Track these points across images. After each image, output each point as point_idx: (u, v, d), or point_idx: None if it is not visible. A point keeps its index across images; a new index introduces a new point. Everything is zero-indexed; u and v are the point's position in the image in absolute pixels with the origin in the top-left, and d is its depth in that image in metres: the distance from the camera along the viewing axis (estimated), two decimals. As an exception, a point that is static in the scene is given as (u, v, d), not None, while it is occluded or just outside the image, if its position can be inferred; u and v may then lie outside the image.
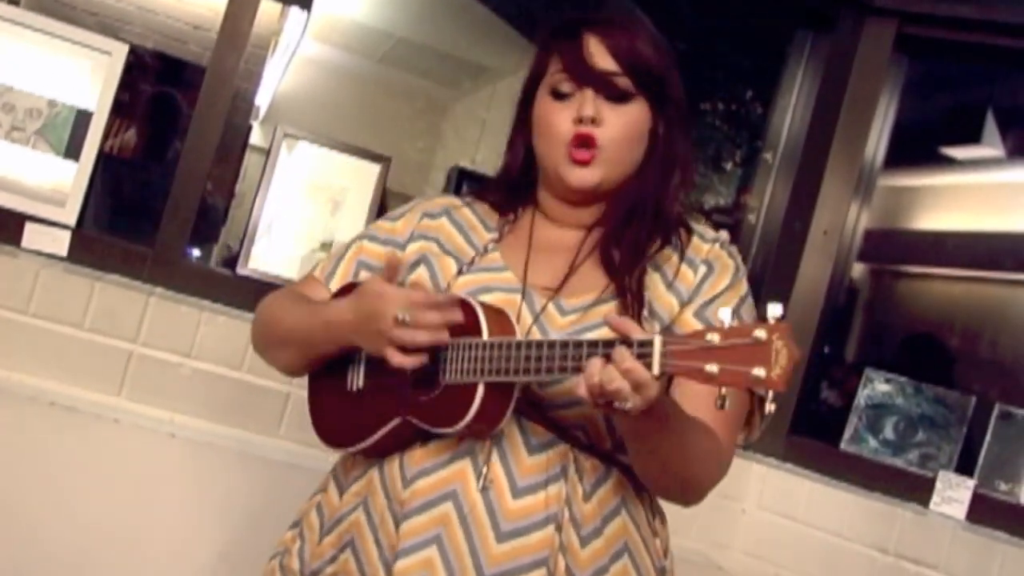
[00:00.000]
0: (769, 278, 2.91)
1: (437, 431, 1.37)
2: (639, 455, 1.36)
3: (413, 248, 1.57)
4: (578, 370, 1.21)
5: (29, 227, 2.38)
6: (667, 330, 1.42)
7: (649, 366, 1.14)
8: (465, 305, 1.36)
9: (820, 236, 2.85)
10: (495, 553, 1.35)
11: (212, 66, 2.51)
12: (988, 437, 2.68)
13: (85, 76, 2.45)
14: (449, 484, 1.38)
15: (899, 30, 2.86)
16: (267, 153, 2.59)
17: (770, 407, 1.44)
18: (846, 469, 2.75)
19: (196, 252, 3.02)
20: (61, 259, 2.39)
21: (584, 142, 1.45)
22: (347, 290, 1.52)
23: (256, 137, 4.01)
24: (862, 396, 2.83)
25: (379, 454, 1.47)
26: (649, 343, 1.14)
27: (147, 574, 2.27)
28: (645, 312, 1.42)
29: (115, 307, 2.37)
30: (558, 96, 1.48)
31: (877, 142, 2.99)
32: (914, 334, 3.53)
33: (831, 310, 2.93)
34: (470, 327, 1.34)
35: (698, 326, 1.42)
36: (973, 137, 3.50)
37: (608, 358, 1.17)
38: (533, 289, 1.46)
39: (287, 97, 5.07)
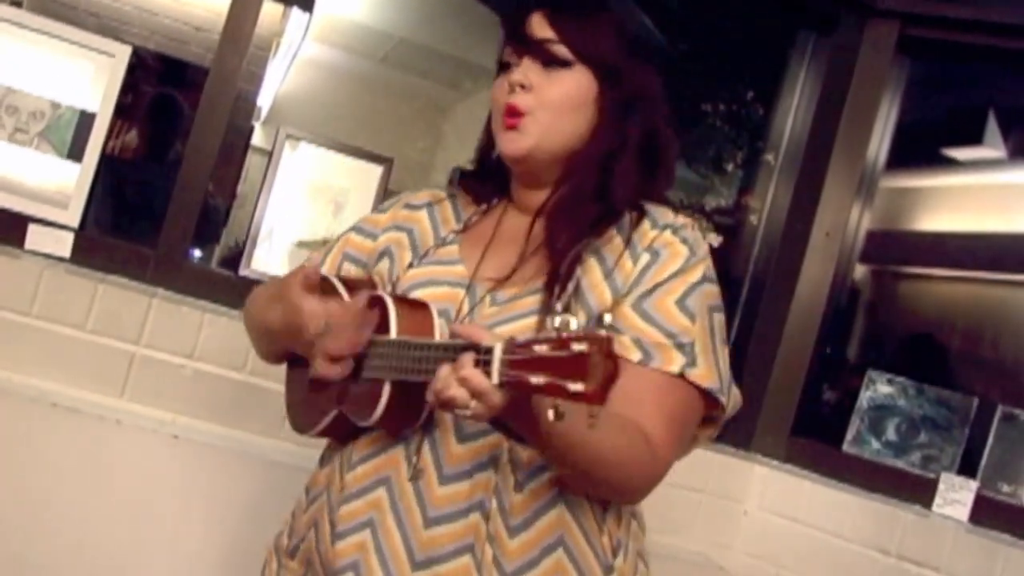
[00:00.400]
0: (771, 280, 2.91)
1: (359, 423, 1.39)
2: (544, 455, 1.32)
3: (383, 239, 1.58)
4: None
5: (32, 229, 2.38)
6: (599, 321, 1.31)
7: (489, 374, 1.10)
8: (381, 301, 1.37)
9: (822, 237, 2.85)
10: (424, 539, 1.35)
11: (214, 67, 2.51)
12: (991, 439, 2.68)
13: (88, 78, 2.45)
14: (383, 471, 1.40)
15: (901, 31, 2.86)
16: (269, 154, 2.59)
17: (734, 401, 1.44)
18: (848, 470, 2.75)
19: (197, 253, 3.02)
20: (64, 260, 2.39)
21: (511, 111, 1.44)
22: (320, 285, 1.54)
23: (258, 138, 4.01)
24: (864, 397, 2.83)
25: (339, 440, 1.50)
26: (490, 350, 1.10)
27: (146, 573, 2.27)
28: (568, 300, 1.37)
29: (118, 308, 2.38)
30: (501, 68, 1.49)
31: (879, 143, 2.99)
32: (915, 335, 3.53)
33: (833, 311, 2.93)
34: (385, 323, 1.35)
35: (636, 320, 1.37)
36: (975, 138, 3.51)
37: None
38: (479, 282, 1.45)
39: (289, 98, 5.07)
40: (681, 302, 1.38)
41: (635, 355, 1.36)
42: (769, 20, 3.27)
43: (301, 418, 1.56)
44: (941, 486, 2.65)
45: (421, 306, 1.38)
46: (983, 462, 2.68)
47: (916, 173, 3.73)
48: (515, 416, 1.18)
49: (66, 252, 2.39)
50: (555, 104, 1.43)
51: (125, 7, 3.76)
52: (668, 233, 1.42)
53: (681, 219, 1.45)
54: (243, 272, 2.55)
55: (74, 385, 2.33)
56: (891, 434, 2.79)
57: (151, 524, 2.27)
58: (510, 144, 1.45)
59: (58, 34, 2.44)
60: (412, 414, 1.36)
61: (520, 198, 1.54)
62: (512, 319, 1.38)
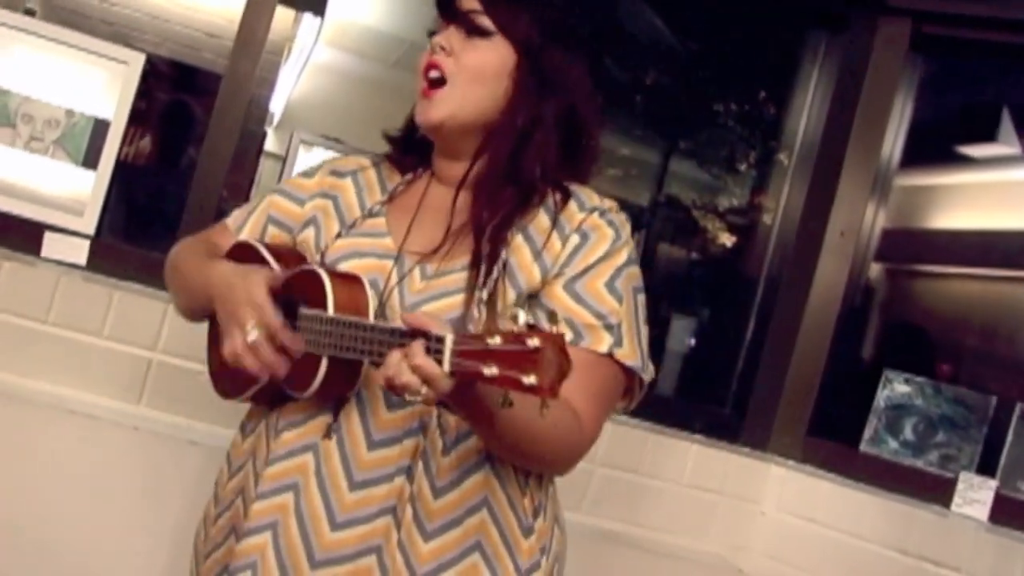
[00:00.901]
0: (786, 280, 2.91)
1: (293, 394, 1.40)
2: (479, 436, 1.38)
3: (311, 205, 1.58)
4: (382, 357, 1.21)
5: (48, 236, 2.39)
6: (530, 300, 1.42)
7: (440, 362, 1.13)
8: (315, 275, 1.37)
9: (837, 237, 2.84)
10: (347, 501, 1.38)
11: (228, 73, 2.52)
12: (1009, 437, 2.67)
13: (102, 86, 2.46)
14: (310, 436, 1.42)
15: (913, 29, 2.85)
16: (283, 159, 2.60)
17: (649, 377, 1.48)
18: (866, 471, 2.74)
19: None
20: (80, 268, 2.40)
21: (431, 66, 1.47)
22: (238, 250, 1.55)
23: (270, 143, 4.02)
24: (881, 397, 2.82)
25: (267, 405, 1.51)
26: (442, 340, 1.13)
27: (168, 581, 2.27)
28: (495, 276, 1.41)
29: (134, 315, 2.38)
30: (429, 36, 1.51)
31: (893, 141, 2.98)
32: (931, 332, 3.52)
33: (848, 311, 2.92)
34: (320, 298, 1.35)
35: (568, 301, 1.42)
36: (989, 135, 3.49)
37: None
38: (407, 254, 1.46)
39: (301, 103, 5.08)
40: (610, 284, 1.44)
41: (567, 334, 1.40)
42: (780, 19, 3.26)
43: (228, 385, 1.55)
44: (960, 485, 2.63)
45: (355, 280, 1.39)
46: (1002, 461, 2.66)
47: (930, 171, 3.71)
48: (460, 401, 1.24)
49: (82, 259, 2.40)
50: (472, 70, 1.47)
51: (137, 14, 3.77)
52: (596, 216, 1.47)
53: (607, 202, 1.50)
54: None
55: (91, 392, 2.34)
56: (908, 433, 2.78)
57: (169, 529, 2.27)
58: (425, 112, 1.48)
59: (72, 43, 2.45)
60: (346, 386, 1.39)
61: (440, 169, 1.55)
62: (441, 295, 1.41)
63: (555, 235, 1.46)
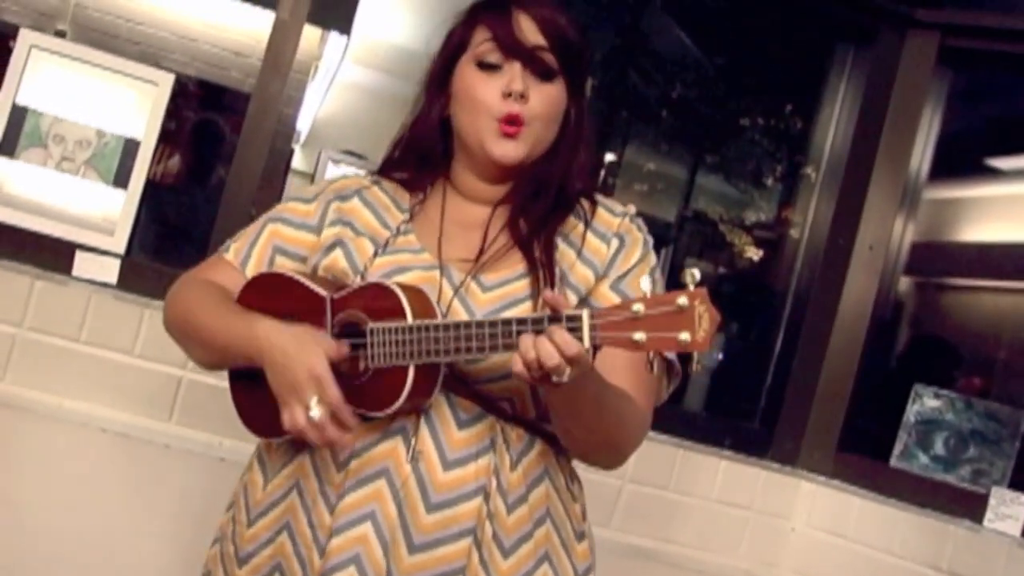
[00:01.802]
0: (815, 294, 2.90)
1: (371, 415, 1.39)
2: (566, 422, 1.39)
3: (330, 232, 1.55)
4: (508, 347, 1.23)
5: (79, 256, 2.41)
6: (583, 302, 1.46)
7: (580, 339, 1.17)
8: (385, 289, 1.37)
9: (866, 251, 2.83)
10: (425, 523, 1.38)
11: (256, 93, 2.54)
12: (1042, 452, 2.64)
13: (132, 106, 2.49)
14: (381, 462, 1.40)
15: (941, 42, 2.85)
16: (311, 177, 2.62)
17: (697, 367, 1.49)
18: (896, 486, 2.72)
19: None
20: (111, 287, 2.42)
21: (513, 120, 1.46)
22: (263, 282, 1.52)
23: (297, 161, 4.04)
24: (911, 412, 2.81)
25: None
26: (578, 318, 1.18)
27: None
28: (559, 284, 1.45)
29: (164, 334, 2.39)
30: (484, 67, 1.48)
31: (921, 154, 2.97)
32: (961, 347, 3.49)
33: (878, 325, 2.91)
34: (392, 310, 1.35)
35: (616, 299, 1.46)
36: (1018, 147, 3.47)
37: (539, 334, 1.20)
38: (450, 264, 1.47)
39: (327, 121, 5.11)
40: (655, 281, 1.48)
41: None
42: (807, 33, 3.26)
43: (268, 424, 1.47)
44: (992, 501, 2.61)
45: (419, 290, 1.39)
46: (1035, 476, 2.64)
47: (959, 184, 3.69)
48: (578, 383, 1.25)
49: (113, 278, 2.42)
50: (545, 115, 1.49)
51: (165, 35, 3.80)
52: (627, 221, 1.54)
53: (631, 208, 1.57)
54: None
55: (123, 410, 2.36)
56: (939, 448, 2.76)
57: (200, 546, 2.28)
58: (510, 152, 1.48)
59: (103, 63, 2.48)
60: (426, 395, 1.38)
61: (470, 187, 1.55)
62: (512, 304, 1.42)
63: (591, 236, 1.51)
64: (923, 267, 3.41)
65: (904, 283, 3.26)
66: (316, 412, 1.32)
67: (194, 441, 2.36)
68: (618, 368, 1.40)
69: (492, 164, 1.50)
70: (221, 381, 2.39)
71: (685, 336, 1.12)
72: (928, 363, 3.20)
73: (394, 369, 1.34)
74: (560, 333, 1.18)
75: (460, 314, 1.41)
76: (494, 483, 1.41)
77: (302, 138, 4.81)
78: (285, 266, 1.57)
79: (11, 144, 2.42)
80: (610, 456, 1.48)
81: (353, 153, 2.85)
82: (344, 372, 1.38)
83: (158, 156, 2.75)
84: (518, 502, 1.43)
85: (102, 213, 2.45)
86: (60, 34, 2.82)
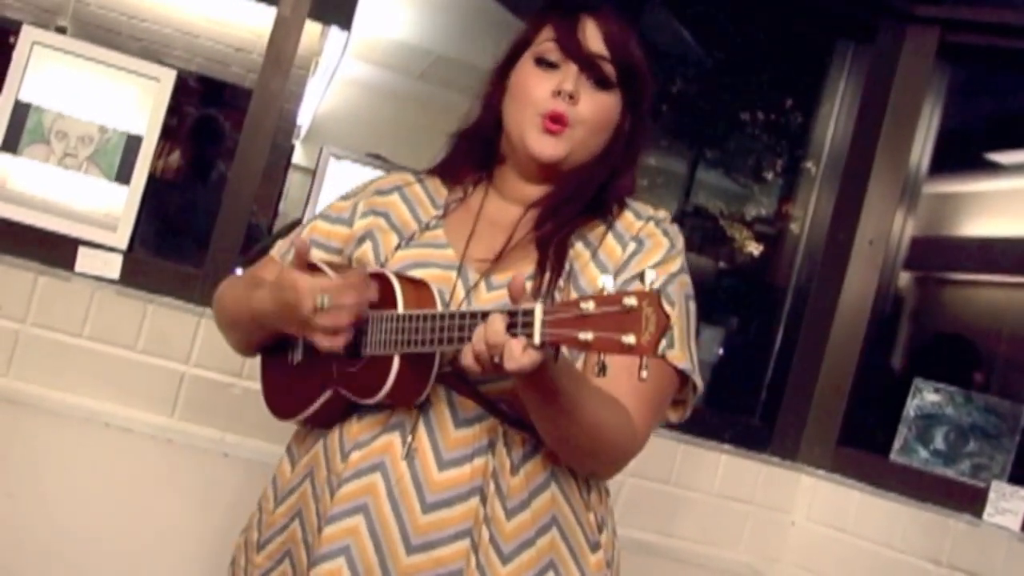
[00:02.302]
0: (814, 288, 2.90)
1: (361, 402, 1.40)
2: (537, 421, 1.36)
3: (362, 224, 1.58)
4: (469, 340, 1.22)
5: (82, 251, 2.42)
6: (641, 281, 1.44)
7: (530, 335, 1.14)
8: (383, 278, 1.38)
9: (866, 245, 2.84)
10: (420, 523, 1.38)
11: (258, 89, 2.54)
12: (1042, 446, 2.65)
13: (134, 102, 2.49)
14: (378, 455, 1.41)
15: (941, 38, 2.85)
16: (313, 173, 2.62)
17: (697, 383, 1.48)
18: (897, 480, 2.73)
19: (239, 271, 3.06)
20: (113, 282, 2.42)
21: (558, 118, 1.46)
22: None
23: (297, 156, 4.05)
24: (911, 406, 2.81)
25: (323, 425, 1.51)
26: (531, 312, 1.14)
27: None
28: (561, 284, 1.43)
29: (167, 329, 2.41)
30: (542, 64, 1.49)
31: (921, 149, 2.97)
32: (961, 341, 3.50)
33: (878, 319, 2.91)
34: (387, 300, 1.36)
35: None
36: (1018, 142, 3.48)
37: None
38: (469, 264, 1.47)
39: (328, 116, 5.12)
40: (663, 289, 1.43)
41: None
42: (807, 28, 3.26)
43: (285, 405, 1.56)
44: (992, 495, 2.62)
45: (422, 283, 1.40)
46: (1035, 470, 2.65)
47: (959, 178, 3.70)
48: (538, 381, 1.23)
49: (115, 274, 2.43)
50: (593, 122, 1.49)
51: (167, 30, 3.81)
52: (651, 224, 1.51)
53: (662, 212, 1.54)
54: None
55: (126, 405, 2.37)
56: (939, 443, 2.77)
57: (202, 541, 2.29)
58: (548, 148, 1.48)
59: (104, 60, 2.48)
60: (417, 387, 1.38)
61: (511, 188, 1.56)
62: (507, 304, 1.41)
63: (611, 239, 1.49)
64: (923, 262, 3.42)
65: (904, 278, 3.27)
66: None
67: (197, 436, 2.36)
68: (612, 374, 1.35)
69: (532, 161, 1.50)
70: (224, 376, 2.42)
71: (630, 339, 1.07)
72: (940, 360, 3.19)
73: (385, 358, 1.35)
74: (492, 325, 1.16)
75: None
76: (492, 486, 1.40)
77: (303, 133, 4.82)
78: (322, 258, 1.59)
79: (14, 140, 2.43)
80: (586, 462, 1.44)
81: (379, 156, 2.84)
82: (343, 359, 1.40)
83: (160, 152, 2.76)
84: (519, 507, 1.41)
85: (105, 209, 2.46)
86: (61, 30, 2.83)
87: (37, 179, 2.44)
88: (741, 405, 3.08)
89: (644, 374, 1.10)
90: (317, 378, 1.47)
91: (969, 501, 2.64)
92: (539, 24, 1.53)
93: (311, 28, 2.72)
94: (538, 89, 1.48)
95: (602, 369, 1.12)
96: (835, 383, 2.82)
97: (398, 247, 1.52)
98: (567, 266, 1.45)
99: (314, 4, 2.57)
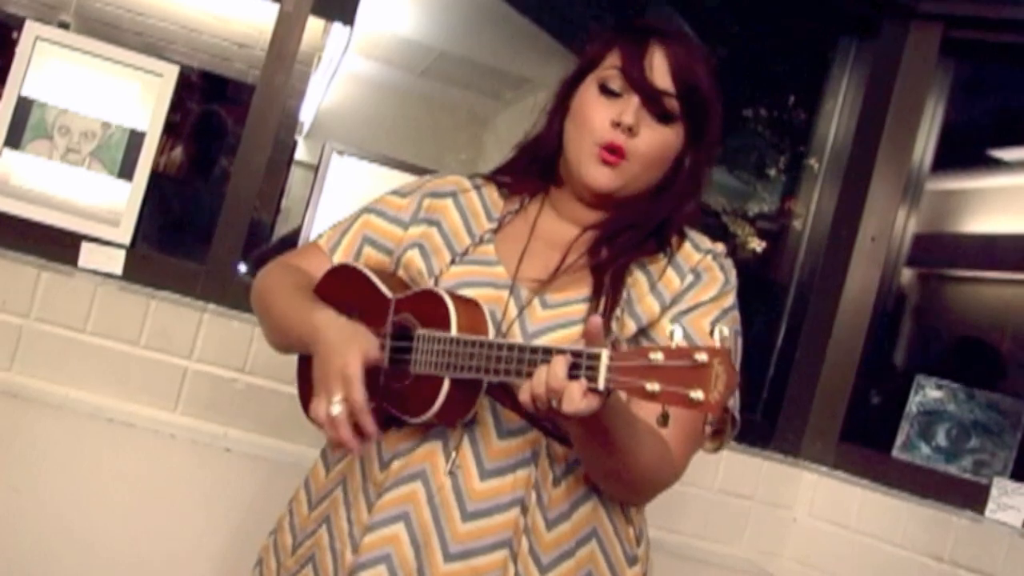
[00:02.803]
0: (817, 285, 2.90)
1: (406, 419, 1.40)
2: (582, 453, 1.37)
3: (415, 231, 1.57)
4: (530, 375, 1.21)
5: (85, 247, 2.42)
6: (643, 332, 1.44)
7: (594, 379, 1.13)
8: (439, 298, 1.37)
9: (868, 242, 2.84)
10: (460, 532, 1.38)
11: (261, 85, 2.55)
12: (1044, 443, 2.65)
13: (137, 97, 2.49)
14: (419, 464, 1.41)
15: (944, 34, 2.84)
16: (316, 169, 2.62)
17: (737, 419, 1.48)
18: (898, 476, 2.73)
19: (243, 268, 3.06)
20: (116, 278, 2.42)
21: (615, 150, 1.45)
22: (341, 274, 1.54)
23: (300, 152, 4.05)
24: (913, 403, 2.81)
25: (359, 433, 1.49)
26: (596, 357, 1.13)
27: (204, 587, 2.30)
28: (618, 312, 1.42)
29: (170, 324, 2.41)
30: (605, 91, 1.48)
31: (924, 146, 2.97)
32: (964, 338, 3.50)
33: (880, 316, 2.91)
34: (441, 320, 1.35)
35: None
36: (1022, 138, 3.47)
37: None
38: (521, 284, 1.46)
39: (330, 112, 5.12)
40: (715, 324, 1.42)
41: None
42: (810, 25, 3.26)
43: None
44: (994, 491, 2.62)
45: (475, 305, 1.39)
46: (1037, 467, 2.65)
47: (962, 175, 3.69)
48: (592, 422, 1.21)
49: (118, 269, 2.43)
50: (650, 156, 1.47)
51: (169, 26, 3.81)
52: (709, 258, 1.51)
53: (719, 246, 1.54)
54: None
55: (128, 400, 2.37)
56: (941, 439, 2.77)
57: (205, 536, 2.29)
58: (602, 179, 1.47)
59: (107, 55, 2.49)
60: (463, 411, 1.38)
61: (566, 207, 1.55)
62: (564, 324, 1.40)
63: (671, 271, 1.48)
64: (926, 258, 3.41)
65: (907, 275, 3.26)
66: (336, 408, 1.33)
67: (199, 431, 2.36)
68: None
69: (585, 188, 1.49)
70: (226, 372, 2.43)
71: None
72: (966, 362, 3.18)
73: (433, 378, 1.34)
74: (554, 370, 1.15)
75: (516, 333, 1.41)
76: (533, 497, 1.39)
77: (305, 129, 4.82)
78: (371, 256, 1.59)
79: (17, 136, 2.43)
80: (623, 492, 1.45)
81: (390, 156, 2.84)
82: (389, 373, 1.40)
83: (163, 148, 2.76)
84: (560, 519, 1.41)
85: (107, 204, 2.46)
86: (64, 26, 2.83)
87: (40, 175, 2.44)
88: (743, 401, 3.07)
89: (708, 430, 1.09)
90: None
91: (971, 498, 2.64)
92: (607, 47, 1.51)
93: (314, 24, 2.72)
94: (598, 117, 1.47)
95: (665, 420, 1.11)
96: (837, 379, 2.82)
97: (452, 261, 1.51)
98: (624, 294, 1.44)
99: (317, 0, 2.57)
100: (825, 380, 2.82)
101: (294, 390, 2.42)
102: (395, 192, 1.64)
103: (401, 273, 1.55)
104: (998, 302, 3.67)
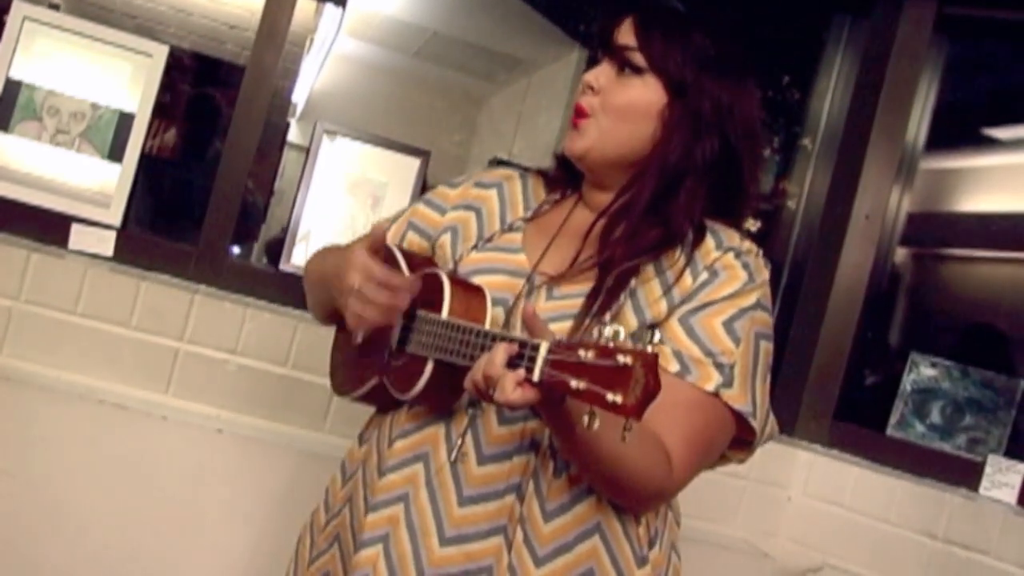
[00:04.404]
0: (811, 264, 2.90)
1: (396, 395, 1.41)
2: (560, 449, 1.35)
3: (452, 215, 1.59)
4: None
5: (75, 228, 2.41)
6: (651, 329, 1.34)
7: (531, 370, 1.11)
8: (439, 280, 1.38)
9: (862, 221, 2.83)
10: (455, 515, 1.37)
11: (251, 66, 2.53)
12: (1037, 420, 2.65)
13: (126, 79, 2.48)
14: (421, 446, 1.42)
15: (938, 11, 2.83)
16: (307, 150, 2.61)
17: (770, 429, 1.44)
18: (893, 454, 2.73)
19: (236, 250, 3.05)
20: (107, 259, 2.42)
21: (578, 111, 1.46)
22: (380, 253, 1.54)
23: (293, 134, 4.03)
24: (908, 381, 2.81)
25: (379, 411, 1.54)
26: (537, 347, 1.12)
27: (194, 567, 2.30)
28: (612, 310, 1.37)
29: (161, 306, 2.40)
30: (590, 66, 1.50)
31: (918, 124, 2.96)
32: (969, 322, 3.49)
33: (874, 295, 2.91)
34: (437, 302, 1.36)
35: (680, 334, 1.38)
36: (1016, 117, 3.46)
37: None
38: (538, 275, 1.45)
39: (323, 94, 5.09)
40: (728, 324, 1.39)
41: (673, 367, 1.37)
42: (804, 4, 3.24)
43: (342, 379, 1.60)
44: (988, 469, 2.62)
45: (476, 291, 1.40)
46: (1030, 444, 2.65)
47: (957, 154, 3.68)
48: (548, 412, 1.21)
49: (109, 251, 2.42)
50: (617, 109, 1.45)
51: (160, 7, 3.79)
52: (730, 256, 1.42)
53: (747, 244, 1.45)
54: (284, 267, 2.57)
55: (120, 382, 2.37)
56: (936, 417, 2.77)
57: (197, 517, 2.29)
58: (568, 143, 1.48)
59: (96, 36, 2.47)
60: (451, 395, 1.38)
61: (588, 195, 1.55)
62: (559, 317, 1.39)
63: (688, 272, 1.41)
64: (920, 237, 3.40)
65: (901, 253, 3.26)
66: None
67: (191, 413, 2.36)
68: (667, 408, 1.26)
69: (572, 161, 1.51)
70: (218, 353, 2.42)
71: (616, 397, 1.02)
72: (976, 348, 3.17)
73: (421, 359, 1.35)
74: (493, 356, 1.15)
75: (518, 323, 1.39)
76: (531, 485, 1.38)
77: (298, 111, 4.79)
78: (414, 242, 1.62)
79: (5, 117, 2.42)
80: (609, 493, 1.38)
81: (350, 127, 2.83)
82: (393, 352, 1.42)
83: (154, 130, 2.75)
84: (559, 511, 1.38)
85: (97, 186, 2.45)
86: (54, 7, 2.81)
87: (29, 156, 2.43)
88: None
89: (627, 436, 1.05)
90: (369, 363, 1.47)
91: (965, 475, 2.64)
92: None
93: (305, 4, 2.70)
94: (576, 93, 1.49)
95: (591, 421, 1.06)
96: (831, 358, 2.82)
97: (474, 247, 1.52)
98: (630, 289, 1.39)
99: (307, -21, 2.56)
100: (819, 359, 2.82)
101: (285, 371, 2.45)
102: (448, 183, 1.66)
103: (437, 257, 1.58)
104: (992, 281, 3.67)
